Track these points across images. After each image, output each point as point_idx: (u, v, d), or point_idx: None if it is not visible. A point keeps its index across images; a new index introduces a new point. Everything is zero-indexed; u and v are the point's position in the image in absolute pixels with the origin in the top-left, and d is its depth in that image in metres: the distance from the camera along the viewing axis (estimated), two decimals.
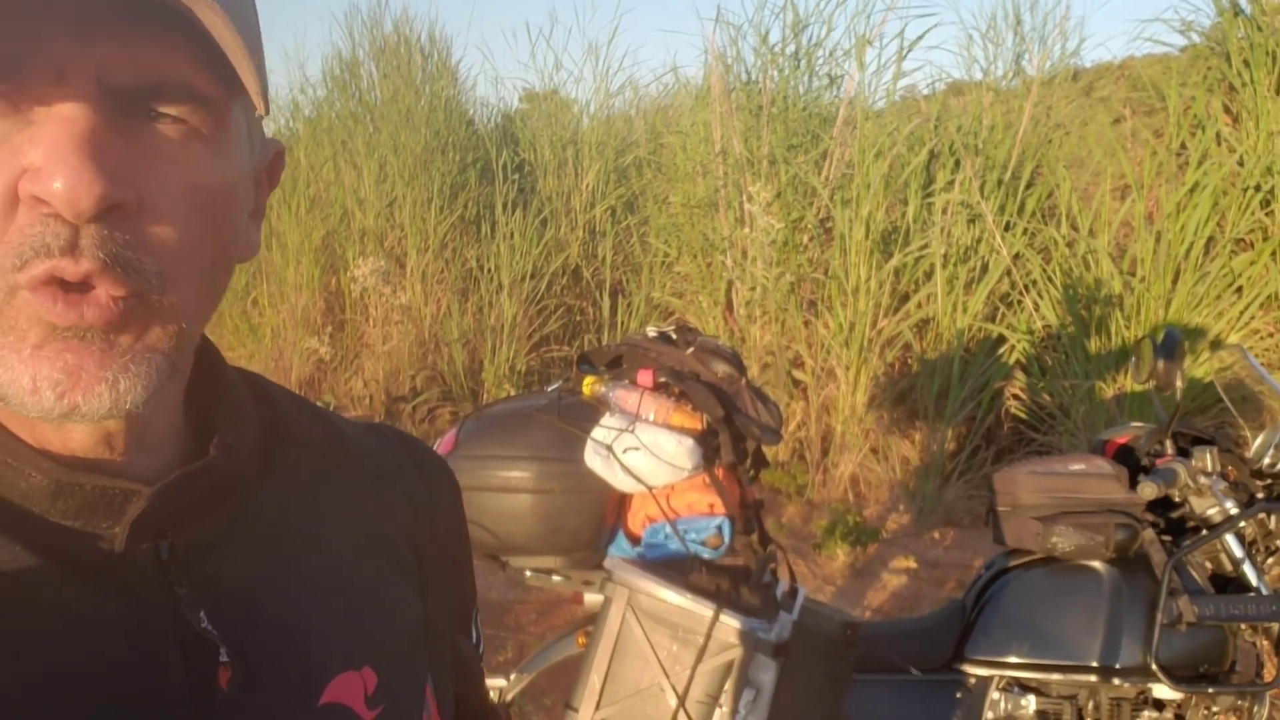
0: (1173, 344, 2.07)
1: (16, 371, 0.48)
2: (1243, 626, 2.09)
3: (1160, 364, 2.07)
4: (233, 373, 0.64)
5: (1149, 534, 2.11)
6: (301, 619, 0.59)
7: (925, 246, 5.16)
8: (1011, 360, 4.99)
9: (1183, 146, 5.10)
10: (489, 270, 6.13)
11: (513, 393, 5.64)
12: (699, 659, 2.03)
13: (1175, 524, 2.17)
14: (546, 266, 6.17)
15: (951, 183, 5.36)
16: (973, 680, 2.18)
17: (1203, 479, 2.08)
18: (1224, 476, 2.13)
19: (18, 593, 0.49)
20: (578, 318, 6.36)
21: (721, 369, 2.30)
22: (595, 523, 2.26)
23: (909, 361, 5.27)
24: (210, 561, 0.56)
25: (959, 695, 2.18)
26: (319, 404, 0.73)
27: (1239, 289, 4.70)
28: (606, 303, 6.14)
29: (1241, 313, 4.66)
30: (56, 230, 0.47)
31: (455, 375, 5.89)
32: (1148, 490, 2.04)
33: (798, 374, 5.25)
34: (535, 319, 6.08)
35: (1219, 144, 4.99)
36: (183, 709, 0.52)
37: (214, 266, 0.55)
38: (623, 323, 6.09)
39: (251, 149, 0.58)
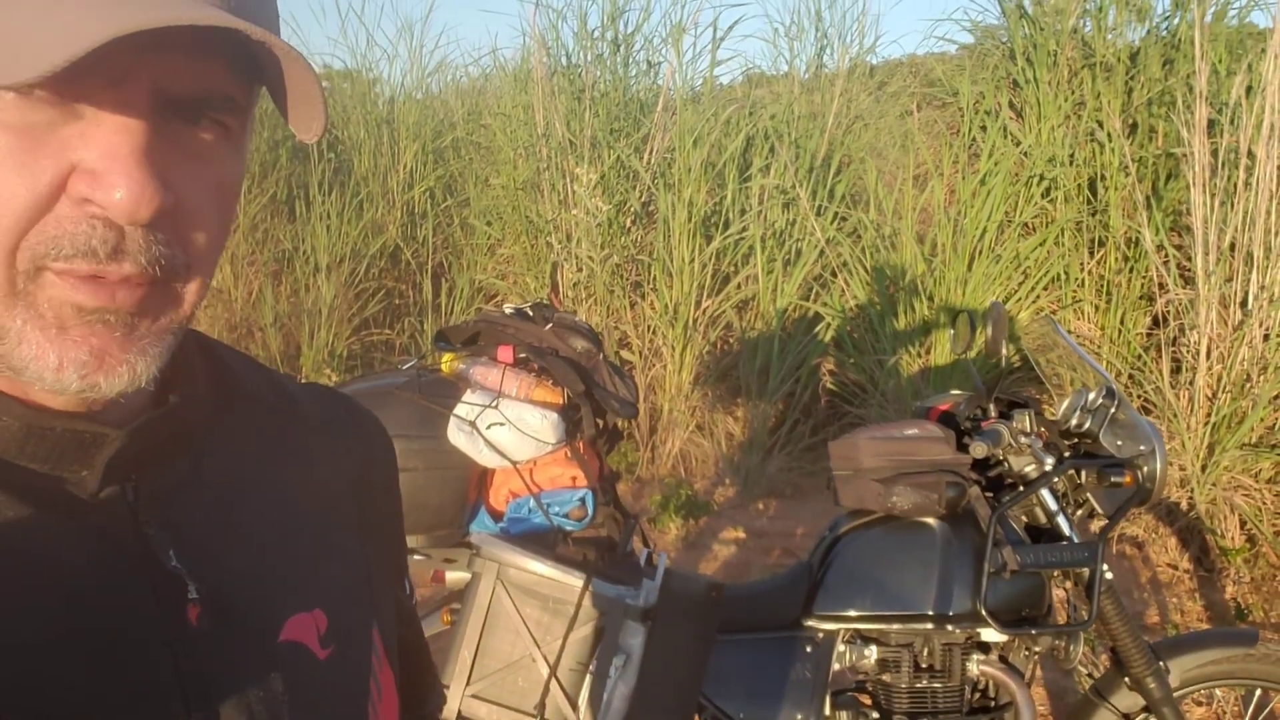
0: (999, 316, 2.26)
1: (42, 349, 0.49)
2: (1057, 573, 2.30)
3: (989, 334, 2.25)
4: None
5: (975, 490, 2.28)
6: (257, 562, 0.62)
7: (744, 230, 5.36)
8: (827, 338, 5.25)
9: (974, 139, 5.49)
10: (305, 252, 5.91)
11: (334, 377, 5.48)
12: (570, 628, 2.06)
13: (994, 481, 2.36)
14: (365, 248, 6.02)
15: (767, 168, 5.58)
16: (820, 635, 2.30)
17: (1023, 439, 2.27)
18: (1038, 437, 2.34)
19: None
20: (398, 300, 6.23)
21: (580, 344, 2.34)
22: (458, 500, 2.25)
23: (731, 340, 5.46)
24: (174, 504, 0.58)
25: (809, 650, 2.30)
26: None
27: (1026, 271, 5.12)
28: (429, 285, 6.04)
29: (1029, 292, 5.08)
30: (104, 236, 0.49)
31: (271, 360, 5.65)
32: (979, 449, 2.22)
33: (625, 354, 5.35)
34: (354, 302, 5.92)
35: (1005, 137, 5.41)
36: (157, 643, 0.53)
37: (221, 253, 0.58)
38: (445, 305, 6.01)
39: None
